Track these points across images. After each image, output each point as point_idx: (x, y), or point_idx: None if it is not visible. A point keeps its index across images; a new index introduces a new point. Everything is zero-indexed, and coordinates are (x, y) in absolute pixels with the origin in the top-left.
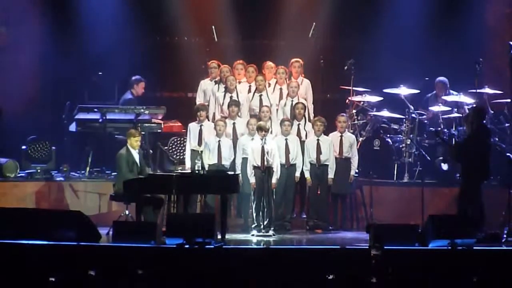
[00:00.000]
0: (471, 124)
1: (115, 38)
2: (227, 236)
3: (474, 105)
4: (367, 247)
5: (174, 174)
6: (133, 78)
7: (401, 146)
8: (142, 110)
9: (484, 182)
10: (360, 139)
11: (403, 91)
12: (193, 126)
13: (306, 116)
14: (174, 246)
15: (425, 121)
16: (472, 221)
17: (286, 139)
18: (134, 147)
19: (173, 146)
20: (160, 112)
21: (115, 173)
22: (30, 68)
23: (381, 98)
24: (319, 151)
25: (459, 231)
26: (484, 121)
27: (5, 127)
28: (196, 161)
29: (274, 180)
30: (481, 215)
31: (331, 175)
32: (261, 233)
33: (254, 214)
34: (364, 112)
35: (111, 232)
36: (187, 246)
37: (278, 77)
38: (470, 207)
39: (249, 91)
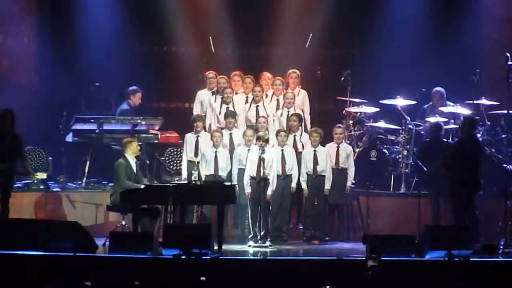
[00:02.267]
0: (463, 134)
1: (112, 48)
2: (224, 247)
3: (464, 116)
4: (364, 258)
5: (171, 184)
6: (130, 88)
7: (397, 157)
8: (138, 121)
9: (477, 193)
10: (357, 150)
11: (400, 102)
12: (189, 137)
13: (303, 127)
14: (171, 256)
15: (422, 132)
16: (469, 232)
17: (282, 150)
18: (136, 153)
19: (170, 157)
20: (156, 122)
21: (112, 184)
22: (27, 79)
23: (378, 109)
24: (315, 162)
25: (456, 242)
26: (475, 132)
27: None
28: (193, 171)
29: (269, 191)
30: (476, 226)
31: (327, 186)
32: (257, 244)
33: (251, 225)
34: (360, 123)
35: (107, 243)
36: (183, 257)
37: (274, 88)
38: (465, 217)
39: (246, 101)
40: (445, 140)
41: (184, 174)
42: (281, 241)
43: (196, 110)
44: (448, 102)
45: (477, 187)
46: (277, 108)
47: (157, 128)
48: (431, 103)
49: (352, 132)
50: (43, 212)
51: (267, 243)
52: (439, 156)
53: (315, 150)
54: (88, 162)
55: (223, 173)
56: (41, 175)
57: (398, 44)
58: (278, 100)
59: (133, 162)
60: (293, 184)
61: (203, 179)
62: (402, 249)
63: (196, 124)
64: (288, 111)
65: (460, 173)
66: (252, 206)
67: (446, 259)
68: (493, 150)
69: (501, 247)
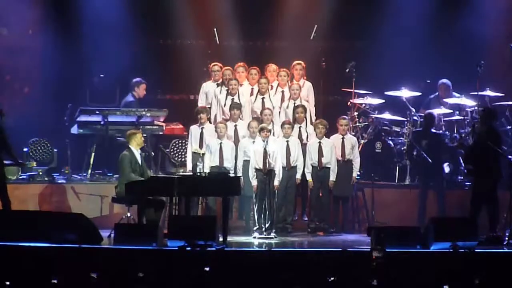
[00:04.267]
0: (482, 126)
1: (117, 40)
2: (229, 239)
3: (483, 108)
4: (369, 249)
5: (176, 176)
6: (135, 80)
7: (402, 148)
8: (143, 113)
9: (498, 183)
10: (362, 141)
11: (405, 93)
12: (194, 129)
13: (308, 118)
14: (176, 248)
15: None
16: (474, 223)
17: (287, 141)
18: (140, 144)
19: (175, 149)
20: (161, 114)
21: (117, 175)
22: (32, 70)
23: (383, 101)
24: (320, 154)
25: (461, 233)
26: (494, 123)
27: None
28: (198, 163)
29: (276, 182)
30: (497, 216)
31: (332, 177)
32: (262, 236)
33: (256, 217)
34: (365, 115)
35: (112, 235)
36: (188, 248)
37: (279, 80)
38: (479, 210)
39: (252, 93)
40: (434, 131)
41: (189, 165)
42: (286, 233)
43: (201, 102)
44: (455, 94)
45: (499, 178)
46: (282, 100)
47: (162, 119)
48: (437, 93)
49: (357, 124)
50: (48, 204)
51: (272, 234)
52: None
53: (320, 142)
54: (93, 154)
55: (228, 164)
56: (31, 164)
57: (403, 35)
58: (283, 91)
59: (137, 154)
60: (298, 176)
61: (208, 170)
62: (407, 240)
63: (200, 116)
64: (294, 103)
65: (482, 165)
66: (257, 198)
67: (451, 250)
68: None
69: (506, 238)
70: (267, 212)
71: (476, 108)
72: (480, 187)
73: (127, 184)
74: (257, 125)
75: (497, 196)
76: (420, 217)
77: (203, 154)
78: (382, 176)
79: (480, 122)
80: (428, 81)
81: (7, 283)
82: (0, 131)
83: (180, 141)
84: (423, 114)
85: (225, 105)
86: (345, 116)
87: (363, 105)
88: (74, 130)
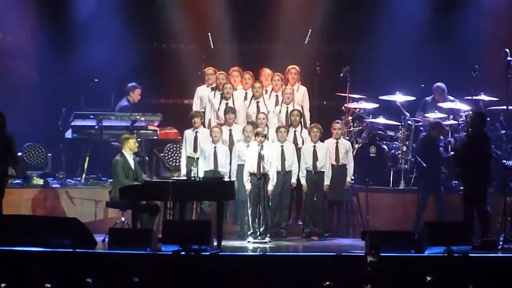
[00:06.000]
0: (472, 129)
1: (111, 44)
2: (223, 243)
3: (473, 111)
4: (363, 254)
5: (170, 181)
6: (129, 85)
7: (397, 153)
8: (138, 117)
9: (488, 188)
10: (356, 146)
11: (399, 98)
12: (188, 133)
13: (302, 123)
14: (170, 253)
15: (421, 128)
16: (468, 228)
17: (282, 146)
18: (133, 150)
19: (169, 153)
20: (156, 119)
21: (111, 180)
22: (26, 75)
23: (377, 105)
24: (315, 158)
25: (455, 237)
26: (484, 127)
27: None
28: (192, 168)
29: (270, 187)
30: (487, 222)
31: (327, 181)
32: (257, 240)
33: (250, 221)
34: (360, 119)
35: (107, 239)
36: (183, 253)
37: (274, 84)
38: (474, 214)
39: (245, 98)
40: (439, 138)
41: (183, 170)
42: (281, 237)
43: (195, 106)
44: (450, 97)
45: (488, 183)
46: (277, 104)
47: (156, 124)
48: (432, 96)
49: (352, 128)
50: (42, 209)
51: (267, 239)
52: (431, 154)
53: (314, 146)
54: (87, 159)
55: (222, 169)
56: (37, 181)
57: (397, 40)
58: (277, 96)
59: (130, 159)
60: (293, 180)
61: (202, 175)
62: (402, 245)
63: (194, 121)
64: (287, 107)
65: (471, 169)
66: (252, 202)
67: (446, 255)
68: (493, 146)
69: (501, 243)
70: (261, 216)
71: (470, 112)
72: (470, 190)
73: (121, 188)
74: (252, 129)
75: (484, 201)
76: (416, 222)
77: (198, 158)
78: (376, 180)
79: (471, 125)
80: (423, 85)
81: (3, 285)
82: (6, 140)
83: (174, 146)
84: (420, 120)
85: (219, 109)
86: (339, 120)
87: (358, 109)
88: (69, 134)
